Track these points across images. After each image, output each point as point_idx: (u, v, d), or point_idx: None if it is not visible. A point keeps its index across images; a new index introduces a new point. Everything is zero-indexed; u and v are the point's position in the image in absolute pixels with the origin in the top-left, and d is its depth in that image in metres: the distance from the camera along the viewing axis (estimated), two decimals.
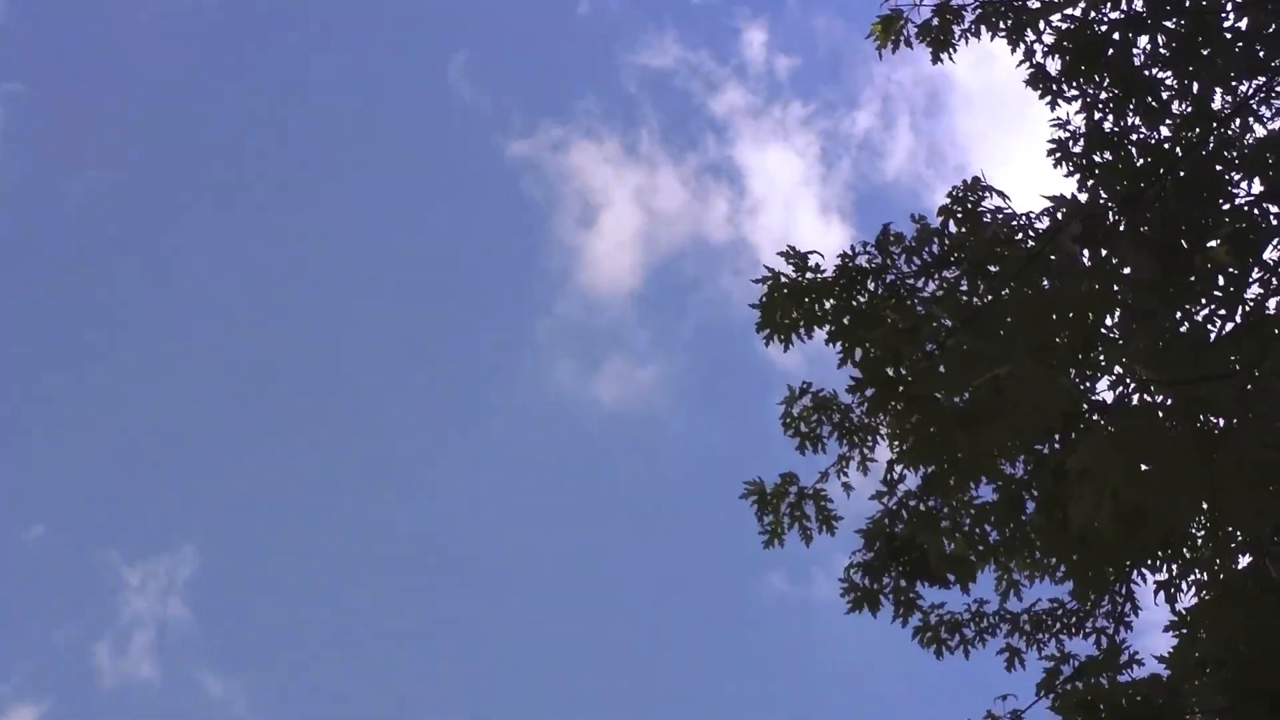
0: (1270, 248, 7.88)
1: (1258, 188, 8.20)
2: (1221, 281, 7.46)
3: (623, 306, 33.92)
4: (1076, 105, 9.06)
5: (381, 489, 32.31)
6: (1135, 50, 7.94)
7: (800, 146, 32.73)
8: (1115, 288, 5.81)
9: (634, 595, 30.18)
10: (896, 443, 10.12)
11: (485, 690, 28.80)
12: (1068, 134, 9.35)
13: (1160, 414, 4.69)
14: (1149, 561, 8.75)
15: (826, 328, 10.12)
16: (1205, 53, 7.57)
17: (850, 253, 10.18)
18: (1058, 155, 9.38)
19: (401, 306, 34.57)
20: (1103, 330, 5.80)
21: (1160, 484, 4.56)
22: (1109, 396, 5.49)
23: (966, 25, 10.07)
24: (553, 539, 31.28)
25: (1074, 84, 8.66)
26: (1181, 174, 6.56)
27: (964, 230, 9.82)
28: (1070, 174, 9.26)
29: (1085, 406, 4.61)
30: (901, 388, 7.42)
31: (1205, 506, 7.23)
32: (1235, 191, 7.65)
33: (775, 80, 34.52)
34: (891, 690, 26.56)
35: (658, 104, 33.86)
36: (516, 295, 34.29)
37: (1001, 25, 9.84)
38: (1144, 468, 4.54)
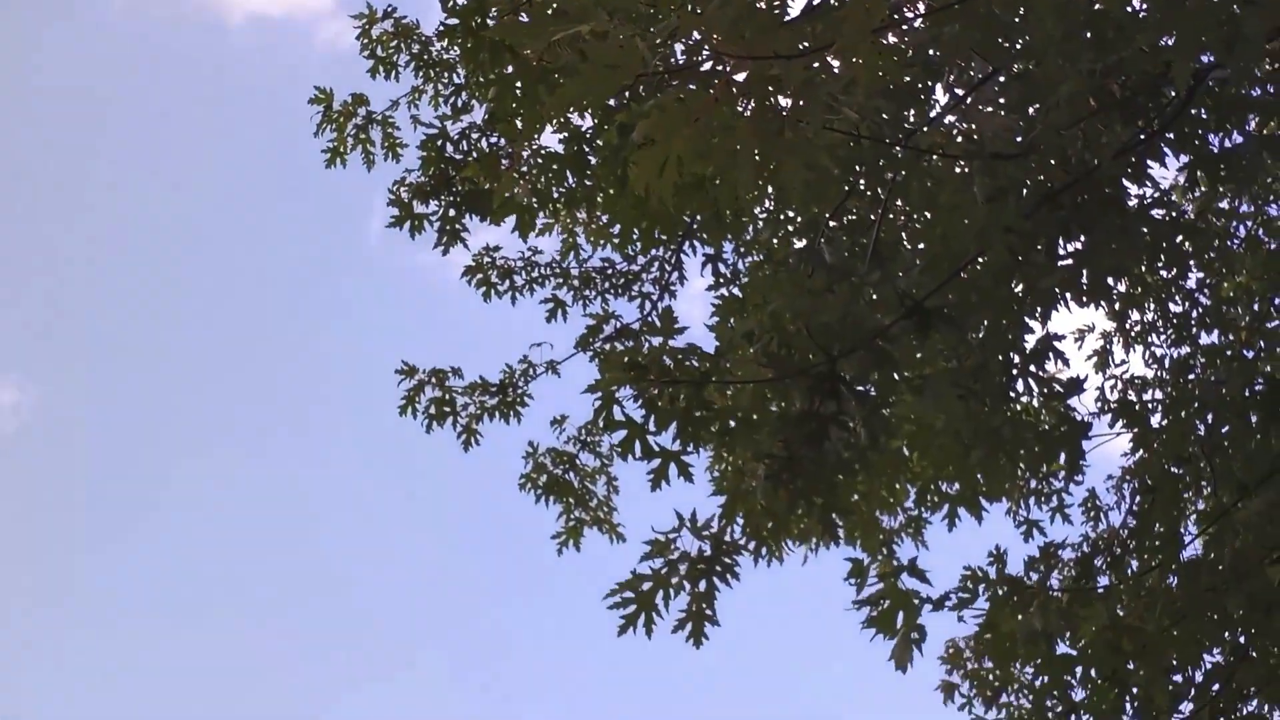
0: None
1: None
2: None
3: None
4: None
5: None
6: None
7: None
8: None
9: None
10: (475, 78, 9.84)
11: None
12: None
13: (732, 88, 4.57)
14: (703, 235, 8.89)
15: None
16: None
17: None
18: None
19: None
20: None
21: (724, 157, 4.48)
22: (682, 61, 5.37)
23: None
24: None
25: None
26: None
27: None
28: None
29: (661, 70, 4.42)
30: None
31: (769, 189, 7.32)
32: None
33: None
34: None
35: None
36: None
37: None
38: (709, 139, 4.46)
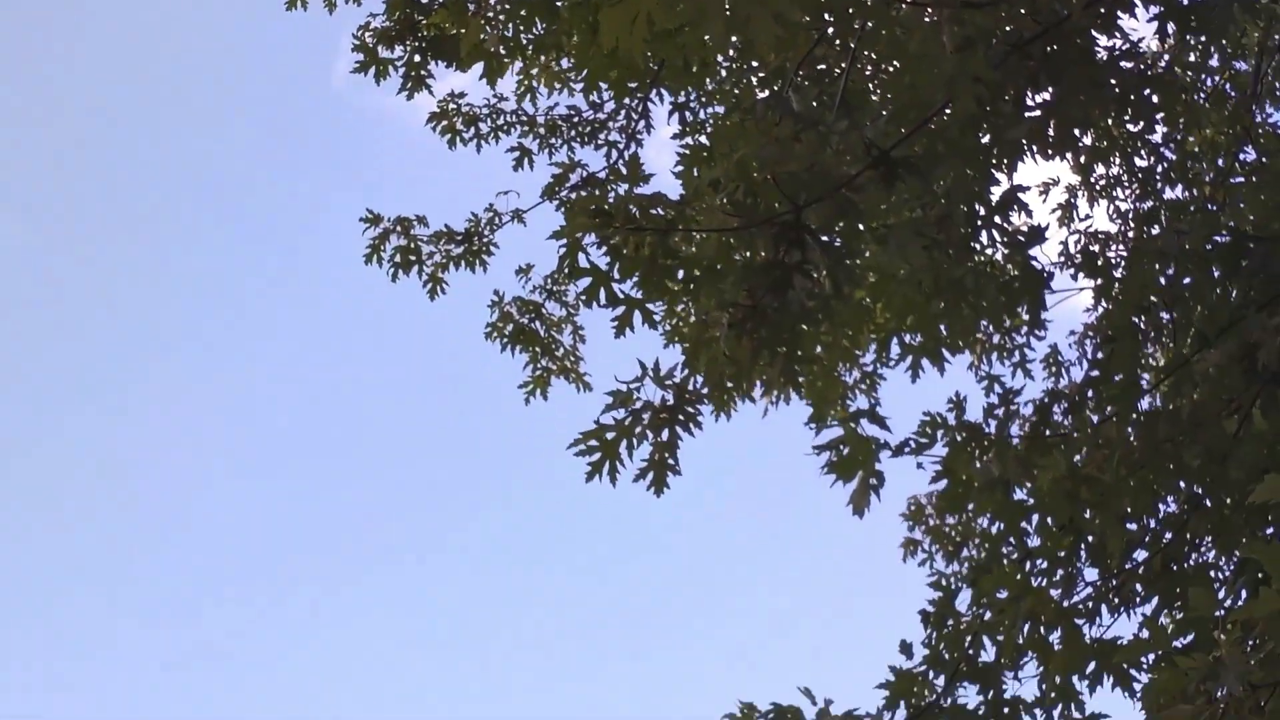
0: None
1: None
2: None
3: None
4: None
5: None
6: None
7: None
8: None
9: None
10: None
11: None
12: None
13: None
14: (669, 83, 8.81)
15: None
16: None
17: None
18: None
19: None
20: None
21: (694, 11, 4.44)
22: None
23: None
24: None
25: None
26: None
27: None
28: None
29: None
30: None
31: (734, 39, 7.25)
32: None
33: None
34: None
35: None
36: None
37: None
38: None
